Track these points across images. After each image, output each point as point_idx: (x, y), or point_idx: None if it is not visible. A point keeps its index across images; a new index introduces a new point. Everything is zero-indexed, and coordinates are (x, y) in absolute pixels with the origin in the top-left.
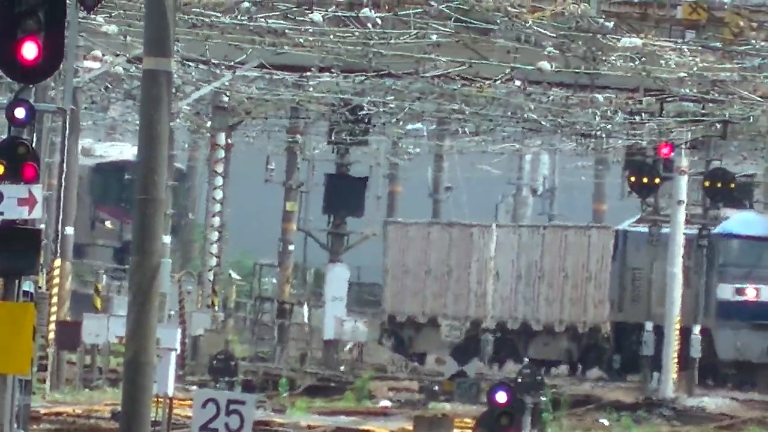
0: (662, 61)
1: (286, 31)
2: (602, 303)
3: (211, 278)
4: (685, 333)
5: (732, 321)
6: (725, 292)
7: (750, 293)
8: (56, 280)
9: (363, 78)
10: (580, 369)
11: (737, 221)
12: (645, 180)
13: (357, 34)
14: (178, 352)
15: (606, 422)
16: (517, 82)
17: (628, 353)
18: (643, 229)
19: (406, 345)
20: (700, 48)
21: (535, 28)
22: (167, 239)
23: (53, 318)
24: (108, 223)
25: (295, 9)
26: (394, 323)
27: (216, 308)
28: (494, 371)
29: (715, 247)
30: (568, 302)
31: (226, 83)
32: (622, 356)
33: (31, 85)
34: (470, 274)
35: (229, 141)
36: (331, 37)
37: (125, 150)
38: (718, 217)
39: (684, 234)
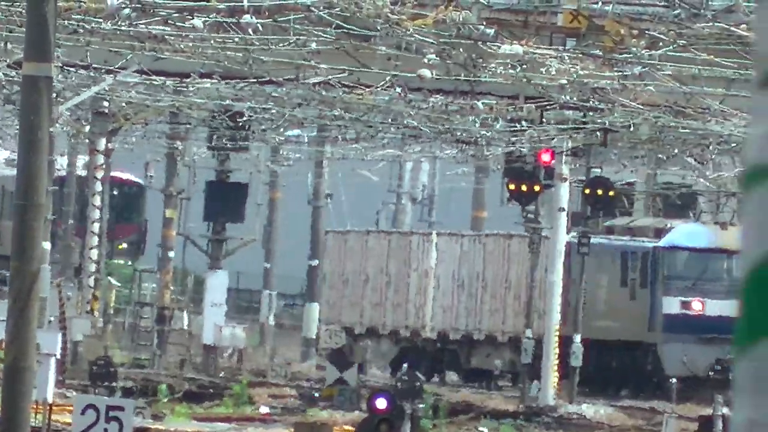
0: (543, 69)
1: (167, 36)
2: (547, 314)
3: (91, 284)
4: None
5: (678, 335)
6: (670, 305)
7: (696, 306)
8: None
9: (243, 84)
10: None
11: (681, 233)
12: (525, 187)
13: (237, 40)
14: (59, 357)
15: (486, 430)
16: (398, 90)
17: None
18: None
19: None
20: (580, 55)
21: (416, 35)
22: (47, 245)
23: None
24: (72, 243)
25: (175, 15)
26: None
27: (96, 314)
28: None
29: (660, 259)
30: (511, 312)
31: (106, 88)
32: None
33: None
34: (409, 283)
35: (109, 146)
36: (212, 43)
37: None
38: (599, 224)
39: (622, 246)
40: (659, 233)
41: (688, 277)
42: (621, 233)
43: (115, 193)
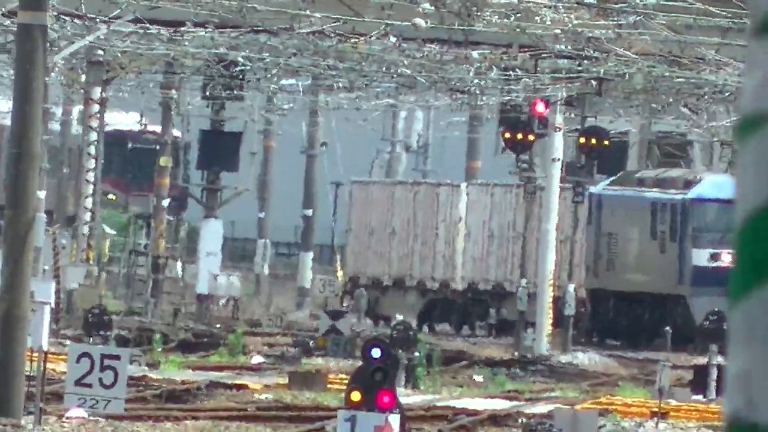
0: (537, 18)
1: None
2: (578, 268)
3: (86, 232)
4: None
5: (707, 287)
6: (700, 257)
7: (725, 258)
8: None
9: (238, 33)
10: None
11: (710, 185)
12: (520, 137)
13: None
14: (53, 306)
15: (480, 378)
16: (392, 39)
17: (604, 321)
18: (619, 191)
19: (371, 307)
20: (575, 5)
21: None
22: (42, 194)
23: None
24: (110, 195)
25: None
26: (356, 285)
27: (91, 262)
28: (460, 333)
29: (689, 211)
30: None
31: (101, 37)
32: (597, 323)
33: None
34: (438, 234)
35: (104, 96)
36: None
37: (125, 119)
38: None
39: (652, 198)
40: (689, 185)
41: (717, 229)
42: (651, 185)
43: (158, 148)
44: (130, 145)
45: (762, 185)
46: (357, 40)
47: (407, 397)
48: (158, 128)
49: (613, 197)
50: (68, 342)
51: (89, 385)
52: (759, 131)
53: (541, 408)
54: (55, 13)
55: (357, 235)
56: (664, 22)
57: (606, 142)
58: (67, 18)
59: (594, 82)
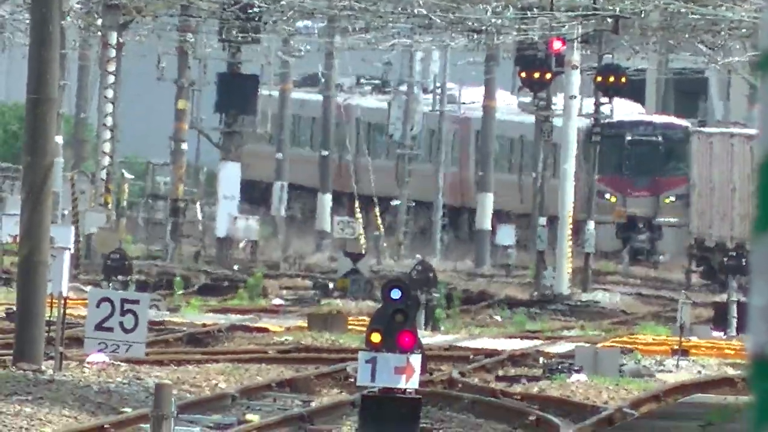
0: None
1: None
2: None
3: (104, 177)
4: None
5: None
6: None
7: None
8: None
9: None
10: None
11: None
12: (537, 75)
13: None
14: (72, 251)
15: (499, 318)
16: None
17: None
18: None
19: (716, 273)
20: None
21: None
22: (59, 139)
23: None
24: (607, 196)
25: None
26: (702, 248)
27: (109, 207)
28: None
29: None
30: None
31: None
32: None
33: None
34: None
35: (121, 40)
36: None
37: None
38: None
39: None
40: None
41: None
42: None
43: (659, 139)
44: (628, 137)
45: None
46: None
47: (428, 338)
48: (666, 118)
49: None
50: (88, 287)
51: (110, 330)
52: None
53: (562, 347)
54: None
55: (700, 192)
56: None
57: (623, 80)
58: None
59: (610, 20)
